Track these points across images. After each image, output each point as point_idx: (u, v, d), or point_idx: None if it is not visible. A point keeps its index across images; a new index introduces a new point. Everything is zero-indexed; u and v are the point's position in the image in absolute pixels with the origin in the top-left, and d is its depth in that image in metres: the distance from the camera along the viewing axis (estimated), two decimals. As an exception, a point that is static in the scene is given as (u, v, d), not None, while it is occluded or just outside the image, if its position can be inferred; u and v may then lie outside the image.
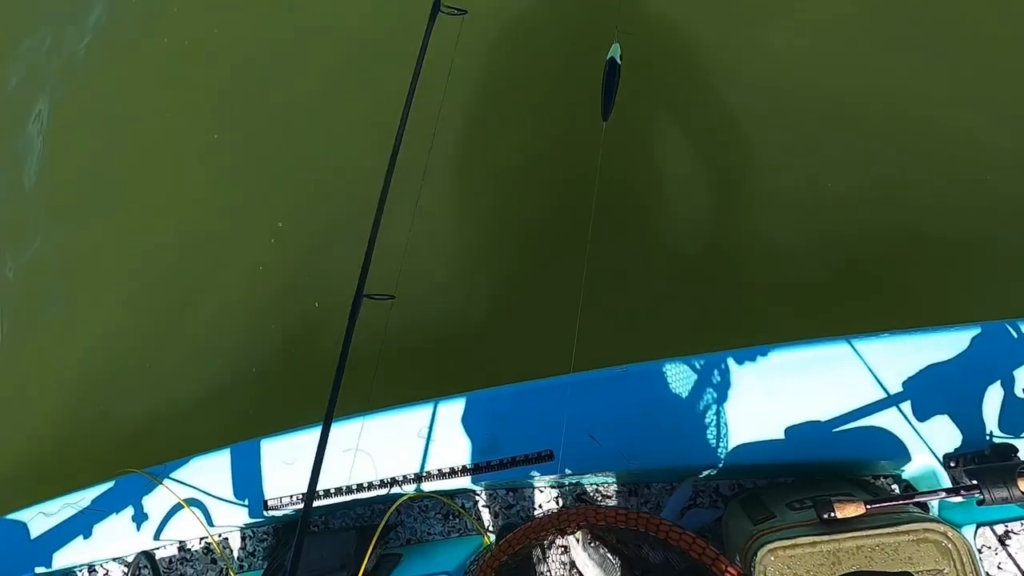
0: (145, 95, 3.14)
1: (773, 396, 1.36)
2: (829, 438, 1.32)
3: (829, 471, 1.38)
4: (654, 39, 2.50)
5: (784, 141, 2.30)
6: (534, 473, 1.46)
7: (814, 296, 2.06)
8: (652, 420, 1.40)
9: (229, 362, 2.62)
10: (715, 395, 1.40)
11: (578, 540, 1.18)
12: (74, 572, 1.85)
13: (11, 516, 1.85)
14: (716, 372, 1.41)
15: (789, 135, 2.29)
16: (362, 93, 2.77)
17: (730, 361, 1.40)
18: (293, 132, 2.86)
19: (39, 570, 1.77)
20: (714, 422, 1.39)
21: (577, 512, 1.20)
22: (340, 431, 1.58)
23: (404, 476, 1.52)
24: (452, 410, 1.51)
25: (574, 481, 1.50)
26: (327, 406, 1.23)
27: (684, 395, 1.41)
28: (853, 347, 1.33)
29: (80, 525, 1.76)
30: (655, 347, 2.02)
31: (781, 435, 1.35)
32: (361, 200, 2.61)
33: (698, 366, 1.42)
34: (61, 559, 1.75)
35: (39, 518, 1.81)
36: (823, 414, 1.33)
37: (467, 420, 1.49)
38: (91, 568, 1.85)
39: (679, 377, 1.41)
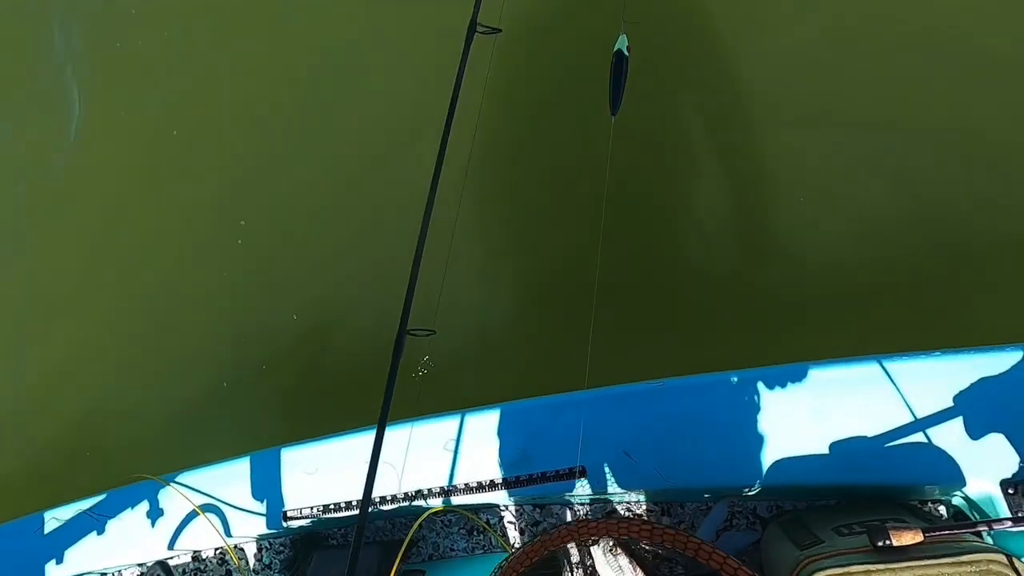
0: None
1: (816, 414, 1.31)
2: (876, 459, 1.26)
3: (875, 494, 1.31)
4: (666, 29, 2.41)
5: (813, 143, 2.22)
6: (564, 489, 1.41)
7: (858, 310, 2.00)
8: (688, 437, 1.35)
9: (239, 368, 2.59)
10: (754, 412, 1.35)
11: (602, 550, 1.12)
12: (86, 579, 1.81)
13: (25, 519, 1.82)
14: (755, 388, 1.36)
15: (819, 136, 2.21)
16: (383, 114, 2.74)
17: (770, 377, 1.35)
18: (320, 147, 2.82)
19: (55, 572, 1.73)
20: (753, 440, 1.33)
21: (599, 524, 1.14)
22: (362, 441, 1.54)
23: (428, 489, 1.47)
24: (479, 422, 1.46)
25: (605, 498, 1.45)
26: (376, 431, 1.19)
27: (722, 411, 1.36)
28: (902, 364, 1.28)
29: (94, 531, 1.72)
30: (690, 362, 1.96)
31: (825, 455, 1.29)
32: (370, 218, 2.60)
33: (736, 382, 1.37)
34: (74, 565, 1.71)
35: (52, 523, 1.77)
36: (870, 434, 1.27)
37: (495, 433, 1.44)
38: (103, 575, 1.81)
39: (716, 393, 1.36)
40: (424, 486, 1.48)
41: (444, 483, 1.47)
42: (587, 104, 2.45)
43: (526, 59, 2.58)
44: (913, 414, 1.26)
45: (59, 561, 1.71)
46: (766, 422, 1.33)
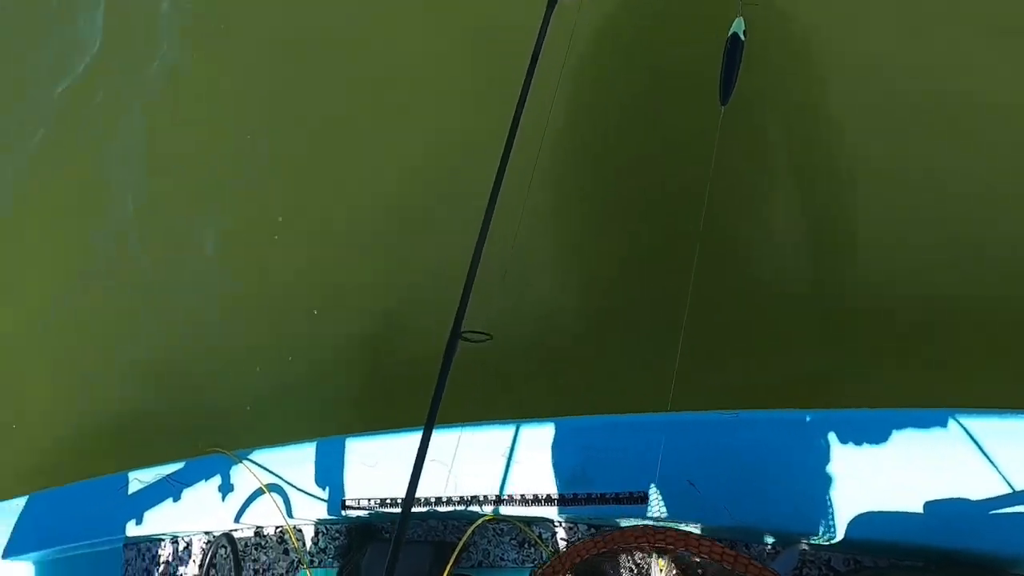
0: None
1: (910, 465, 1.19)
2: (979, 524, 1.13)
3: (973, 562, 1.18)
4: (785, 13, 2.18)
5: (948, 162, 2.00)
6: (622, 513, 1.36)
7: (977, 351, 1.80)
8: (761, 474, 1.27)
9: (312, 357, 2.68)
10: (838, 456, 1.24)
11: (661, 570, 1.06)
12: (160, 539, 1.93)
13: (111, 477, 1.95)
14: (842, 430, 1.26)
15: (958, 154, 1.99)
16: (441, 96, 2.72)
17: (860, 420, 1.24)
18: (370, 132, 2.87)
19: (130, 531, 1.85)
20: (834, 486, 1.23)
21: (671, 534, 1.07)
22: (414, 441, 1.55)
23: (484, 496, 1.46)
24: (540, 434, 1.44)
25: (664, 527, 1.38)
26: (423, 432, 1.18)
27: (801, 451, 1.27)
28: (1018, 420, 1.14)
29: (170, 496, 1.83)
30: (769, 395, 1.85)
31: (917, 512, 1.17)
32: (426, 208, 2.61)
33: (821, 421, 1.27)
34: (150, 525, 1.83)
35: (135, 483, 1.90)
36: (974, 494, 1.14)
37: (556, 446, 1.41)
38: (174, 539, 1.92)
39: (797, 430, 1.27)
40: (479, 492, 1.47)
41: (499, 491, 1.45)
42: (683, 93, 2.30)
43: (611, 39, 2.45)
44: (1026, 478, 1.12)
45: (138, 521, 1.83)
46: (850, 468, 1.22)
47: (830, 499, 1.22)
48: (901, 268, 1.99)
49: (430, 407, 1.20)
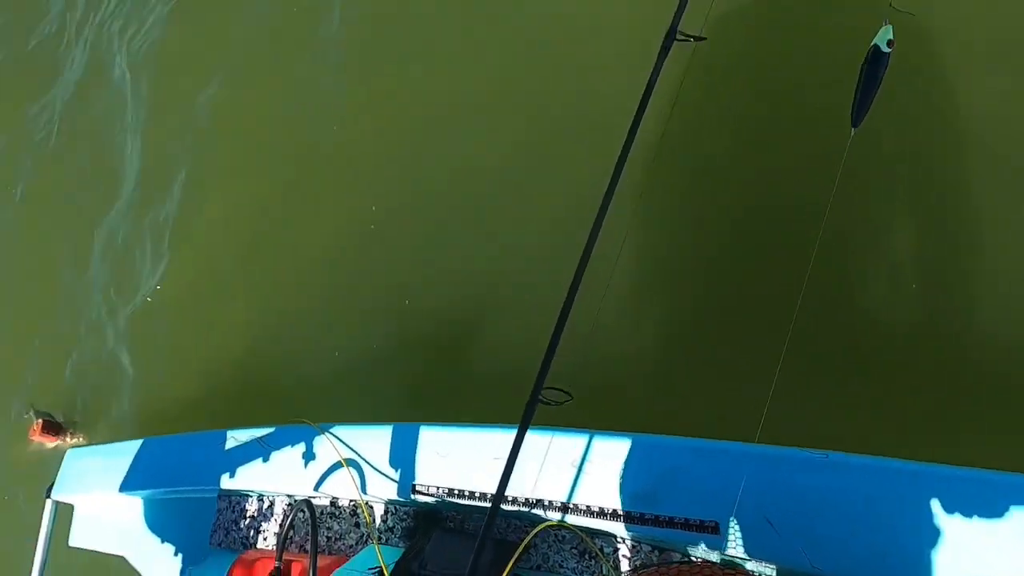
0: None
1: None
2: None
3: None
4: (937, 30, 1.96)
5: None
6: (689, 540, 1.32)
7: None
8: (847, 521, 1.18)
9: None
10: (939, 516, 1.14)
11: None
12: (248, 495, 2.09)
13: (212, 432, 2.14)
14: (945, 487, 1.15)
15: None
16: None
17: (970, 480, 1.13)
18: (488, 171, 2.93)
19: (224, 484, 2.02)
20: (931, 549, 1.13)
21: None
22: (495, 438, 1.58)
23: (549, 501, 1.46)
24: (613, 447, 1.42)
25: (733, 562, 1.33)
26: (512, 447, 1.21)
27: (894, 503, 1.17)
28: None
29: (259, 457, 1.98)
30: (864, 439, 1.71)
31: (1028, 592, 1.05)
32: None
33: (922, 474, 1.17)
34: (241, 481, 1.98)
35: (231, 441, 2.06)
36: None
37: (629, 462, 1.39)
38: (260, 496, 2.08)
39: (892, 480, 1.17)
40: (546, 496, 1.47)
41: (566, 498, 1.45)
42: (807, 112, 2.17)
43: (726, 62, 2.36)
44: None
45: (231, 476, 2.00)
46: (951, 532, 1.11)
47: (924, 562, 1.12)
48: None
49: (516, 435, 1.22)
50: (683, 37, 1.38)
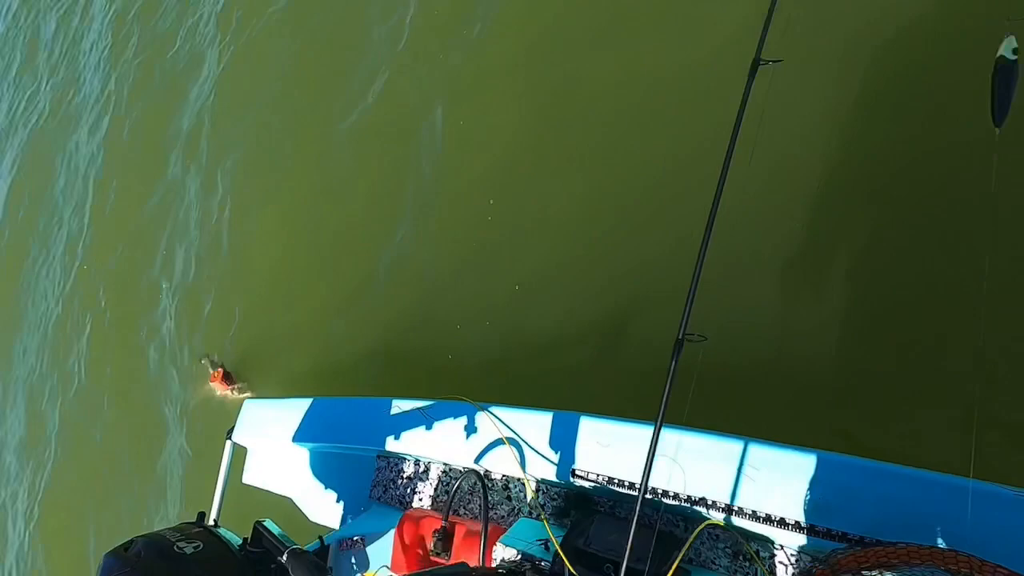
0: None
1: None
2: None
3: None
4: None
5: None
6: (860, 557, 1.34)
7: None
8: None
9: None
10: None
11: None
12: (406, 458, 2.31)
13: (379, 399, 2.37)
14: None
15: None
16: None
17: None
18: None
19: (386, 445, 2.25)
20: None
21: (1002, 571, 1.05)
22: (647, 434, 1.66)
23: (713, 501, 1.53)
24: (789, 459, 1.46)
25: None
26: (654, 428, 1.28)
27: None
28: None
29: (421, 425, 2.18)
30: None
31: None
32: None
33: None
34: (401, 445, 2.20)
35: (395, 408, 2.29)
36: None
37: (805, 475, 1.42)
38: (417, 461, 2.29)
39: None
40: (708, 496, 1.55)
41: (729, 500, 1.52)
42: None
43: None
44: None
45: (395, 438, 2.22)
46: None
47: None
48: None
49: (661, 406, 1.31)
50: (766, 62, 1.53)
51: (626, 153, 3.03)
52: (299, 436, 2.49)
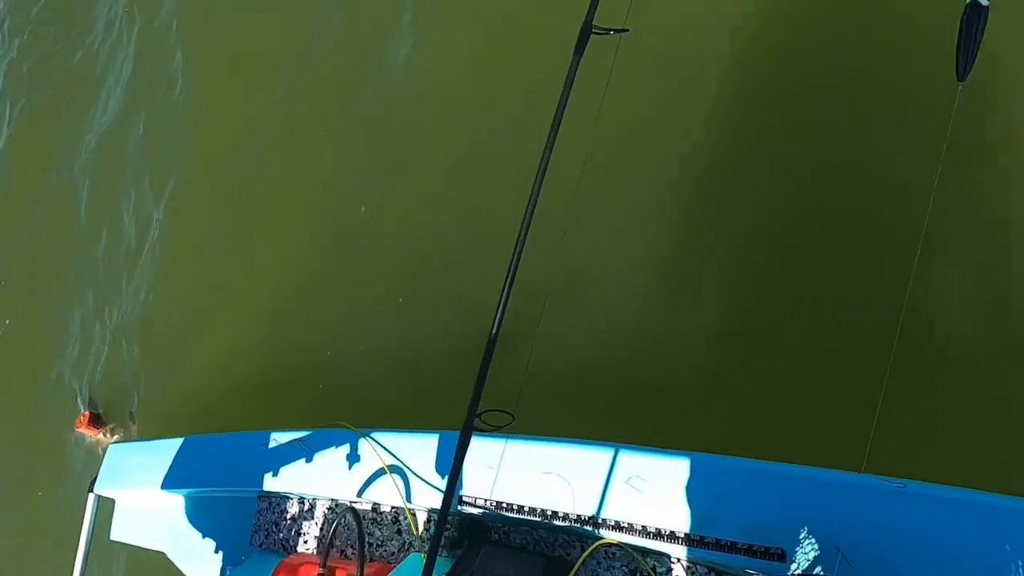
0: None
1: None
2: None
3: None
4: None
5: None
6: (751, 566, 1.27)
7: None
8: (926, 556, 1.12)
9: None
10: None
11: None
12: (289, 497, 2.09)
13: (256, 433, 2.14)
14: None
15: None
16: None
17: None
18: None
19: (266, 485, 2.02)
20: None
21: None
22: (548, 452, 1.54)
23: (604, 519, 1.42)
24: (673, 466, 1.37)
25: None
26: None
27: (979, 540, 1.11)
28: None
29: (301, 459, 1.97)
30: (959, 471, 1.58)
31: None
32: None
33: (1007, 510, 1.10)
34: (282, 483, 1.98)
35: (273, 442, 2.06)
36: None
37: (689, 483, 1.34)
38: (301, 499, 2.07)
39: (981, 516, 1.11)
40: (599, 514, 1.44)
41: (620, 517, 1.41)
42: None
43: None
44: None
45: (272, 476, 1.99)
46: (1042, 570, 1.05)
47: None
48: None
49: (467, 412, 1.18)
50: (601, 31, 1.29)
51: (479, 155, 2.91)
52: (170, 482, 2.22)
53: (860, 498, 1.18)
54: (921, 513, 1.14)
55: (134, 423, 3.40)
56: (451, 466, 1.32)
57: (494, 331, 1.30)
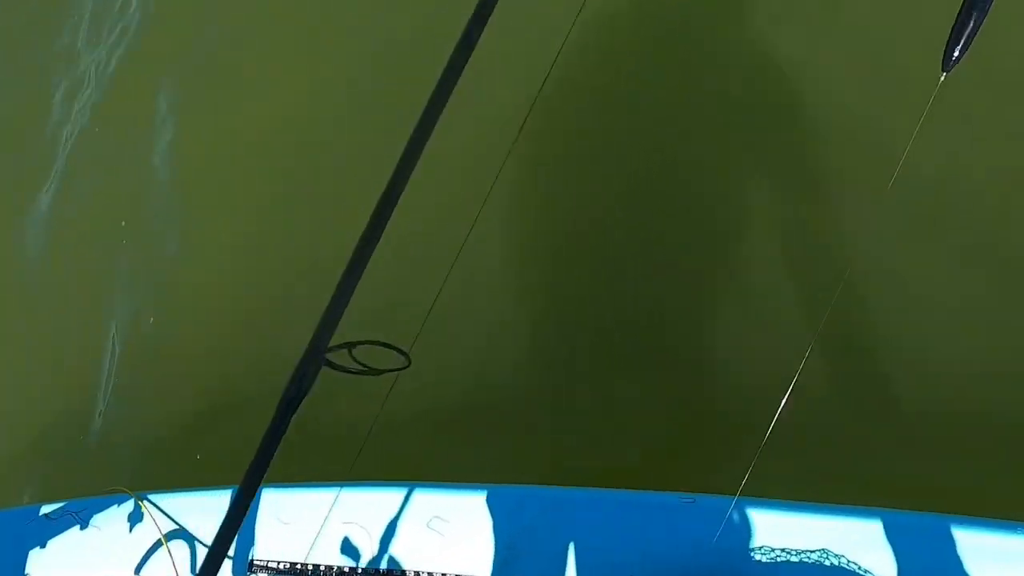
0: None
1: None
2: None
3: None
4: None
5: None
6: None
7: None
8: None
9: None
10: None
11: None
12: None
13: (19, 509, 1.78)
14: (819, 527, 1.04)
15: None
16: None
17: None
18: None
19: (32, 570, 1.67)
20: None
21: None
22: (346, 499, 1.35)
23: (404, 571, 1.25)
24: (474, 502, 1.23)
25: None
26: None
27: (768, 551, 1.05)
28: None
29: (75, 536, 1.64)
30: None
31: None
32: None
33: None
34: (53, 567, 1.64)
35: (42, 518, 1.71)
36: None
37: (488, 518, 1.20)
38: (78, 582, 1.73)
39: (783, 525, 1.05)
40: (401, 564, 1.26)
41: (422, 567, 1.25)
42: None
43: None
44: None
45: (40, 559, 1.65)
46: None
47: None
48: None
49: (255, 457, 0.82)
50: None
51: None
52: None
53: (653, 517, 1.09)
54: (718, 527, 1.07)
55: None
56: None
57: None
